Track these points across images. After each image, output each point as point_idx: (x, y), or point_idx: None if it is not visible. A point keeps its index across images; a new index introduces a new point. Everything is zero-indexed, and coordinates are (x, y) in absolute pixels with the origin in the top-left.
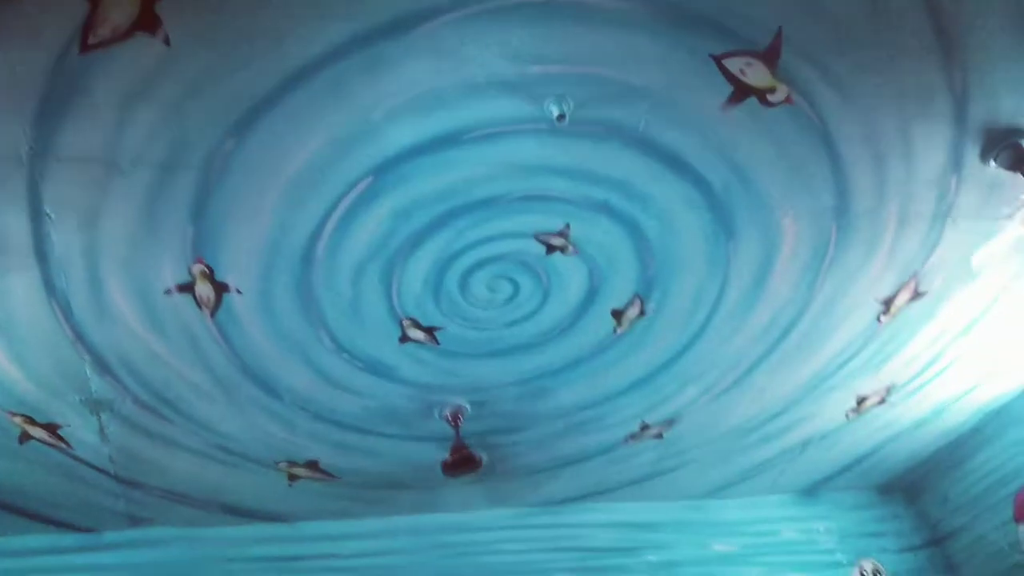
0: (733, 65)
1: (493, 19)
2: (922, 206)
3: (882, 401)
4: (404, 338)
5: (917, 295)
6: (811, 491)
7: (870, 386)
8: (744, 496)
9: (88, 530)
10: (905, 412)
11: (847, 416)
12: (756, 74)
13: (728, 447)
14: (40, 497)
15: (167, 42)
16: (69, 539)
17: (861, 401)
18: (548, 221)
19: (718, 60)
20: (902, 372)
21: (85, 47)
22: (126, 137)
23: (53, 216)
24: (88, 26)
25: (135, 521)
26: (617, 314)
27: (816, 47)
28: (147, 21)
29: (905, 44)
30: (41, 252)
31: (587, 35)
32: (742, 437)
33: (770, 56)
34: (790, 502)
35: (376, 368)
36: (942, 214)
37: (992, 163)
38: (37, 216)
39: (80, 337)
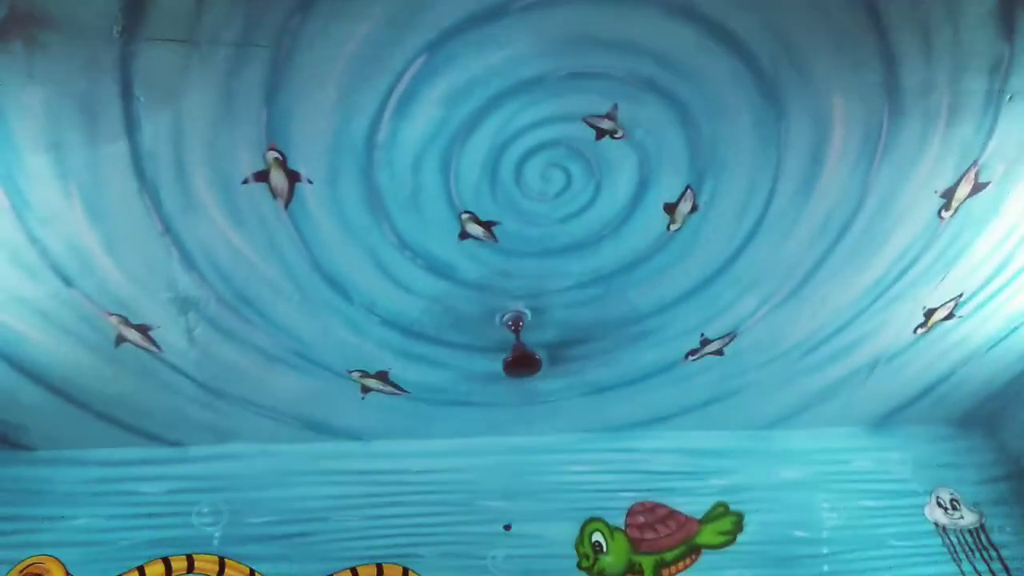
0: None
1: None
2: (975, 81)
3: (950, 315)
4: (463, 234)
5: (979, 187)
6: (883, 423)
7: (937, 297)
8: (812, 427)
9: (175, 443)
10: (976, 329)
11: (915, 332)
12: None
13: (792, 367)
14: (131, 406)
15: None
16: (158, 452)
17: (929, 315)
18: (596, 102)
19: None
20: (969, 280)
21: None
22: (204, 16)
23: (142, 99)
24: None
25: (219, 435)
26: (670, 208)
27: None
28: None
29: None
30: (132, 137)
31: None
32: (806, 355)
33: None
34: (861, 434)
35: (437, 267)
36: (997, 91)
37: None
38: (128, 99)
39: (168, 230)
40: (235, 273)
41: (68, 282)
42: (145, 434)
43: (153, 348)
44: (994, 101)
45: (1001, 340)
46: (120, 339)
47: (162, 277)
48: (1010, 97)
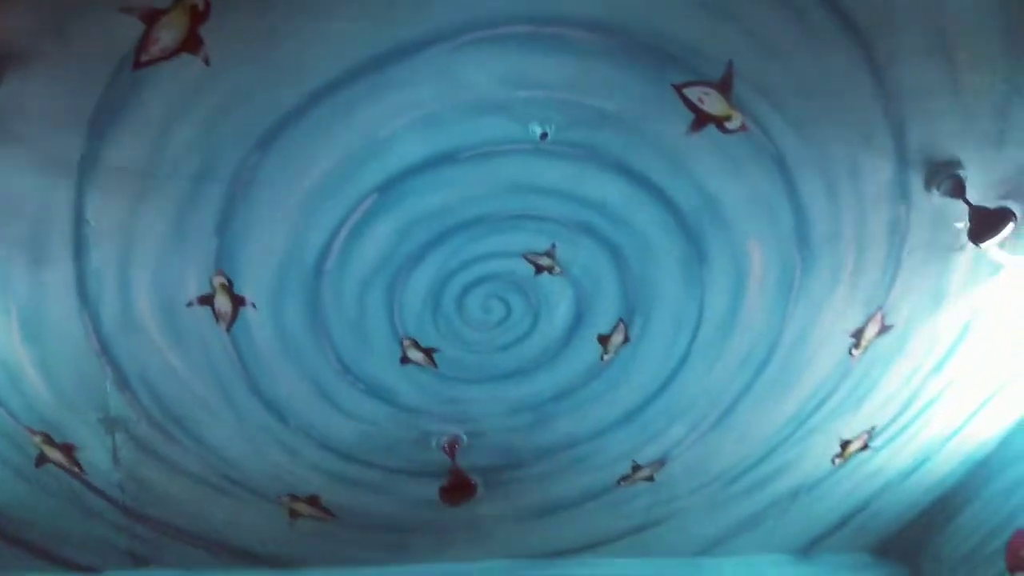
0: (692, 94)
1: (485, 46)
2: (876, 235)
3: (865, 446)
4: (404, 359)
5: (884, 328)
6: (807, 551)
7: (851, 428)
8: (739, 555)
9: (90, 569)
10: (890, 460)
11: (833, 462)
12: (713, 102)
13: (720, 494)
14: (48, 530)
15: (207, 62)
16: None
17: (845, 445)
18: (536, 241)
19: (678, 89)
20: (881, 413)
21: (137, 63)
22: (165, 149)
23: (93, 223)
24: (142, 45)
25: (136, 560)
26: (603, 339)
27: (764, 78)
28: (191, 42)
29: (841, 77)
30: (79, 259)
31: (565, 63)
32: (732, 483)
33: (724, 86)
34: (786, 561)
35: (377, 391)
36: (897, 244)
37: (936, 193)
38: (79, 223)
39: (105, 350)
40: (170, 394)
41: None
42: (57, 559)
43: (75, 469)
44: (895, 252)
45: (913, 472)
46: (41, 459)
47: (93, 396)
48: (909, 250)
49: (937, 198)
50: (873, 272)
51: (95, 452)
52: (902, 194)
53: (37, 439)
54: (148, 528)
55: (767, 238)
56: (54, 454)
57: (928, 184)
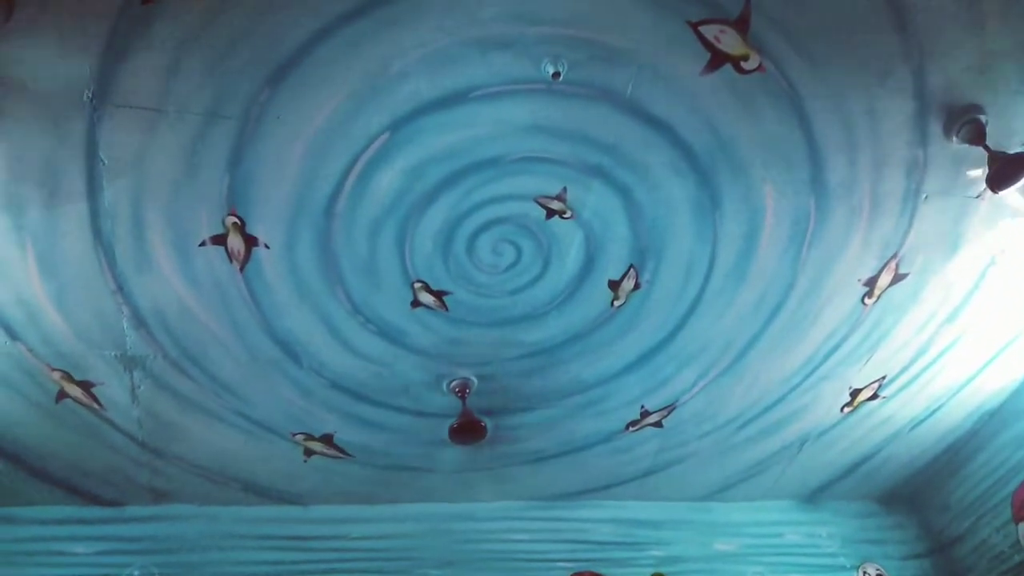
0: (708, 32)
1: None
2: (894, 182)
3: (875, 395)
4: (415, 302)
5: (899, 277)
6: (813, 497)
7: (862, 377)
8: (746, 499)
9: (112, 503)
10: (900, 409)
11: (842, 411)
12: (730, 41)
13: (728, 440)
14: (70, 464)
15: None
16: (93, 511)
17: (855, 394)
18: (547, 184)
19: (694, 26)
20: (893, 362)
21: None
22: (175, 85)
23: (106, 161)
24: None
25: (157, 496)
26: (614, 285)
27: (783, 16)
28: None
29: (861, 16)
30: (92, 197)
31: None
32: (740, 429)
33: (741, 24)
34: (793, 507)
35: (388, 333)
36: (913, 191)
37: (955, 138)
38: (92, 161)
39: (120, 288)
40: (185, 332)
41: (12, 335)
42: (80, 493)
43: (95, 405)
44: (911, 199)
45: (922, 421)
46: (61, 395)
47: (110, 334)
48: (925, 196)
49: (956, 144)
50: (888, 219)
51: (114, 389)
52: (920, 139)
53: (56, 375)
54: (167, 464)
55: (782, 182)
56: (74, 390)
57: (947, 129)
